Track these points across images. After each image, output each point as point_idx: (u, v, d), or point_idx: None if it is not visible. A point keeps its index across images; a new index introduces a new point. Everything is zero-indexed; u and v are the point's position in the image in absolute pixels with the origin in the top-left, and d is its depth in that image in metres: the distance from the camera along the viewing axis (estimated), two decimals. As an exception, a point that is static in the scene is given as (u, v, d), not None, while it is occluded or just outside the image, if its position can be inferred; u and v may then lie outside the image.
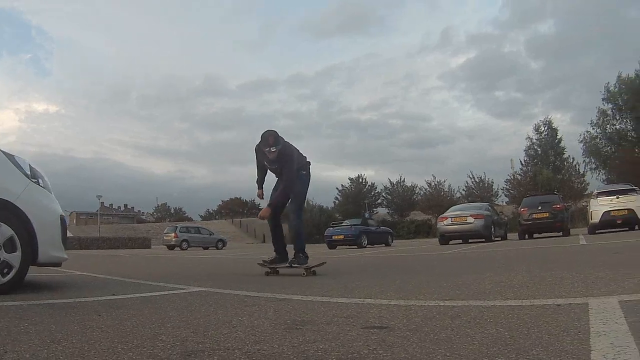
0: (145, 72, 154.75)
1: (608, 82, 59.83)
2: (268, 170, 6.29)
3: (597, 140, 58.73)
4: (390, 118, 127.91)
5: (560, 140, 59.22)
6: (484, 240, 17.58)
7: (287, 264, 5.99)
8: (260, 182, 6.43)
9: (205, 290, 4.30)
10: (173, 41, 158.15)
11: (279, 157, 5.86)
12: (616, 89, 58.83)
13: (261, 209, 6.21)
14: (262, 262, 6.21)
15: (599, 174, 58.56)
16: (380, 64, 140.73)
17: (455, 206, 22.87)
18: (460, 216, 18.36)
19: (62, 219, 4.53)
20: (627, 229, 16.30)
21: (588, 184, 52.74)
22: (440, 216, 20.11)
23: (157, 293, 4.15)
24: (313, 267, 5.85)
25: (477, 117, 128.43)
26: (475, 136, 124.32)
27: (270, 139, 5.74)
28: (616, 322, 2.06)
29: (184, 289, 4.46)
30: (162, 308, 3.20)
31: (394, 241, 26.52)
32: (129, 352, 1.93)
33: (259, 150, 6.08)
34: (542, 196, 20.56)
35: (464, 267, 6.46)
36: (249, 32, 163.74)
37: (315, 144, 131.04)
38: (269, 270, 6.03)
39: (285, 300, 3.47)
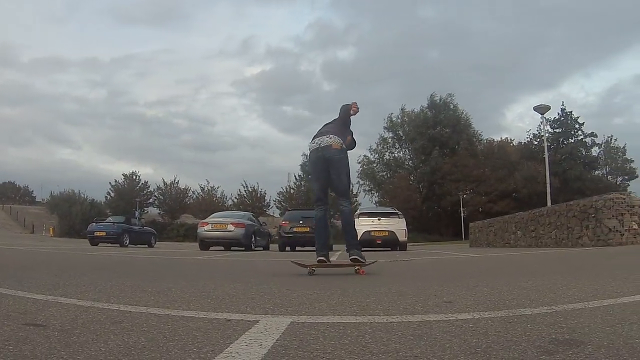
0: None
1: (392, 113, 66.95)
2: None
3: (374, 164, 64.77)
4: (176, 117, 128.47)
5: (335, 159, 63.44)
6: (244, 249, 18.00)
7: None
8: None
9: None
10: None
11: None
12: (399, 120, 65.73)
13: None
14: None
15: (372, 195, 64.54)
16: (176, 61, 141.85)
17: (218, 213, 23.88)
18: (221, 223, 18.94)
19: None
20: (389, 249, 18.02)
21: (360, 204, 57.40)
22: (201, 221, 20.43)
23: None
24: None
25: (262, 128, 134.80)
26: (257, 146, 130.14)
27: None
28: (261, 345, 2.04)
29: None
30: None
31: (157, 243, 27.63)
32: None
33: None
34: (304, 211, 21.95)
35: (191, 273, 6.49)
36: (54, 4, 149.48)
37: (97, 134, 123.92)
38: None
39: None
